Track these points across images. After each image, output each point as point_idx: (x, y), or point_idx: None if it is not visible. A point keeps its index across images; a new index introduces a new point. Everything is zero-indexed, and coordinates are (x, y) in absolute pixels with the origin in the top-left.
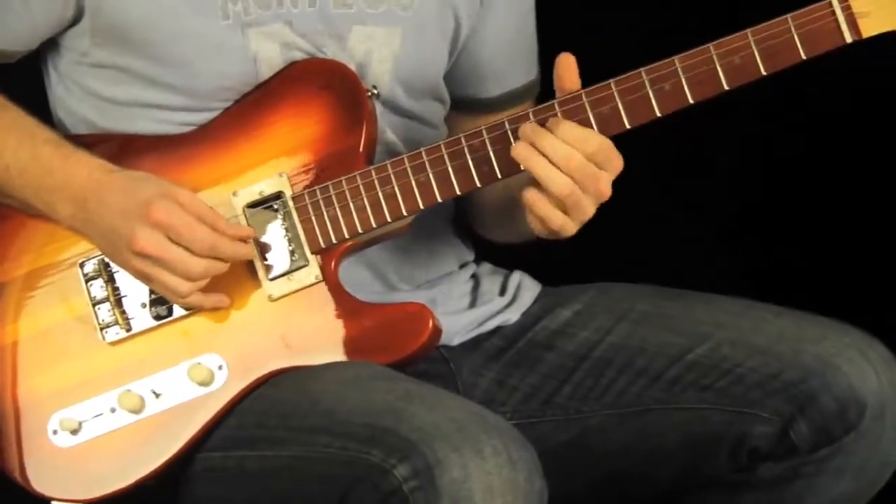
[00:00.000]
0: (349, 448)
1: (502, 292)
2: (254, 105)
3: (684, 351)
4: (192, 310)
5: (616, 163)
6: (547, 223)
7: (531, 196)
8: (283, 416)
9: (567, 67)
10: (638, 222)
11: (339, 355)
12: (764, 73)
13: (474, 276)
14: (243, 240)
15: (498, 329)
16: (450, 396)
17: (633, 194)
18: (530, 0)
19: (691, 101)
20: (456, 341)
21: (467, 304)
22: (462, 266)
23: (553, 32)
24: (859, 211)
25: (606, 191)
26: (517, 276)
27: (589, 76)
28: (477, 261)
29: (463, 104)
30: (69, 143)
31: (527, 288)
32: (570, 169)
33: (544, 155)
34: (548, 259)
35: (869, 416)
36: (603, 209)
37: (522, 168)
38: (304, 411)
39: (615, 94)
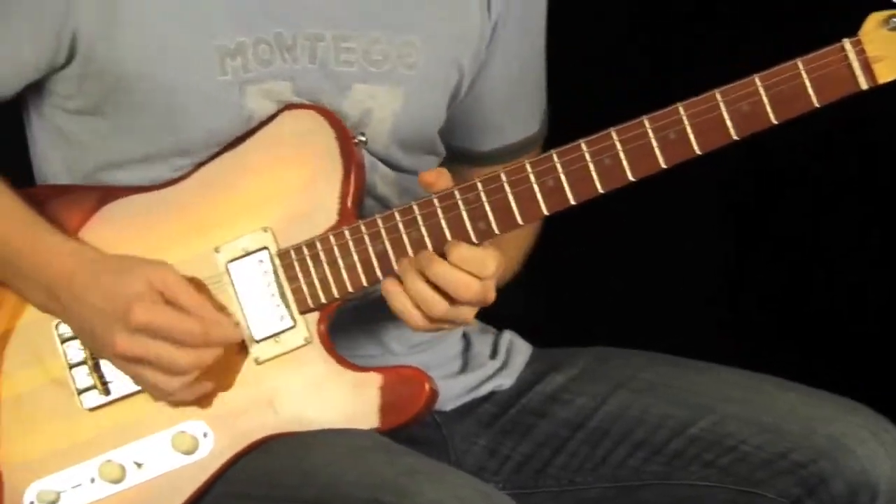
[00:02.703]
0: None
1: (493, 354)
2: (234, 156)
3: (687, 424)
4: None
5: (492, 267)
6: (405, 319)
7: (390, 287)
8: (273, 486)
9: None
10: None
11: (330, 421)
12: (775, 121)
13: (465, 336)
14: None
15: (491, 394)
16: (454, 472)
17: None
18: (536, 51)
19: (698, 152)
20: (449, 406)
21: (459, 366)
22: None
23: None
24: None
25: (492, 296)
26: (507, 336)
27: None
28: None
29: (456, 155)
30: (40, 222)
31: (518, 350)
32: (467, 298)
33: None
34: (533, 314)
35: (882, 501)
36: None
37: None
38: (298, 482)
39: (617, 143)
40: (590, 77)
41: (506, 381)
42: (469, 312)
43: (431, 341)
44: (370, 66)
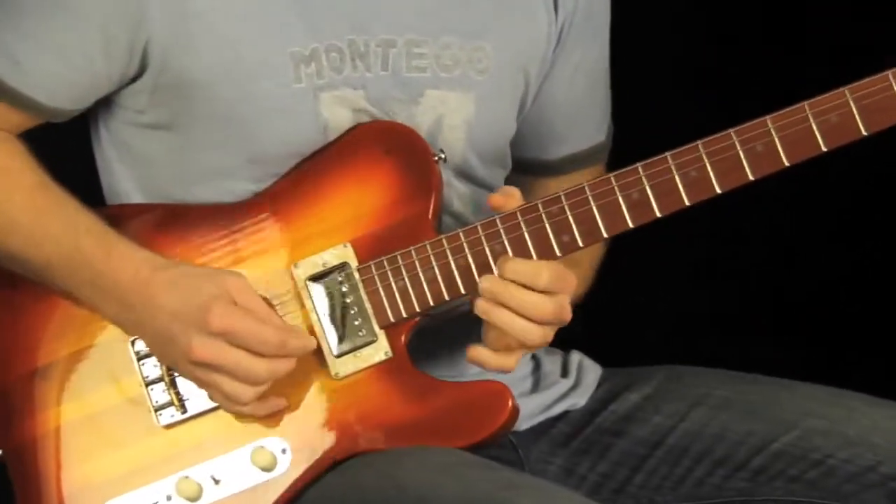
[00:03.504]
0: None
1: (564, 373)
2: (315, 170)
3: (770, 440)
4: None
5: (570, 284)
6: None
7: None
8: (365, 502)
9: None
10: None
11: (412, 437)
12: (865, 133)
13: (534, 357)
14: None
15: (565, 413)
16: (555, 488)
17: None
18: (603, 60)
19: (787, 164)
20: (523, 426)
21: (530, 385)
22: None
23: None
24: None
25: (568, 316)
26: (576, 357)
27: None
28: None
29: (522, 166)
30: (111, 232)
31: (588, 369)
32: (542, 318)
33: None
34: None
35: None
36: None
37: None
38: (392, 499)
39: (703, 155)
40: (650, 88)
41: (579, 400)
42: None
43: None
44: (442, 71)
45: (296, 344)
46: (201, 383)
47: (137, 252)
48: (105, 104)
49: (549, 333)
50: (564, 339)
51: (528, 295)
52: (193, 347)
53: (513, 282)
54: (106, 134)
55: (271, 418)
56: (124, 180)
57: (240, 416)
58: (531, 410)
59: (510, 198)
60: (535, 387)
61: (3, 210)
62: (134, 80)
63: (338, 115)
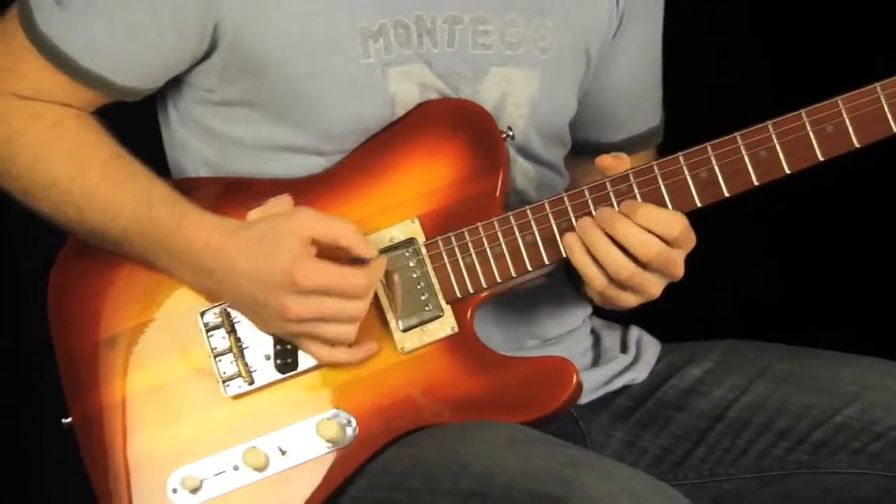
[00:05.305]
0: None
1: (623, 349)
2: (383, 146)
3: (832, 412)
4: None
5: (691, 241)
6: (586, 277)
7: (571, 242)
8: (428, 477)
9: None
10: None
11: (476, 411)
12: None
13: (594, 332)
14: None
15: (625, 388)
16: (619, 465)
17: None
18: (658, 42)
19: (857, 145)
20: (584, 400)
21: (591, 360)
22: (583, 321)
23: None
24: None
25: (681, 272)
26: (636, 332)
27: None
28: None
29: (580, 147)
30: (183, 200)
31: (648, 344)
32: (648, 258)
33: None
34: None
35: None
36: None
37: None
38: (455, 474)
39: (773, 135)
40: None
41: (639, 374)
42: (654, 284)
43: (562, 336)
44: (506, 49)
45: (378, 274)
46: (302, 337)
47: (208, 219)
48: (175, 84)
49: (649, 282)
50: (623, 316)
51: (642, 234)
52: (290, 307)
53: (644, 228)
54: (175, 113)
55: (338, 390)
56: (192, 159)
57: (305, 388)
58: (592, 384)
59: (620, 161)
60: (596, 361)
61: (79, 185)
62: (204, 58)
63: (405, 90)
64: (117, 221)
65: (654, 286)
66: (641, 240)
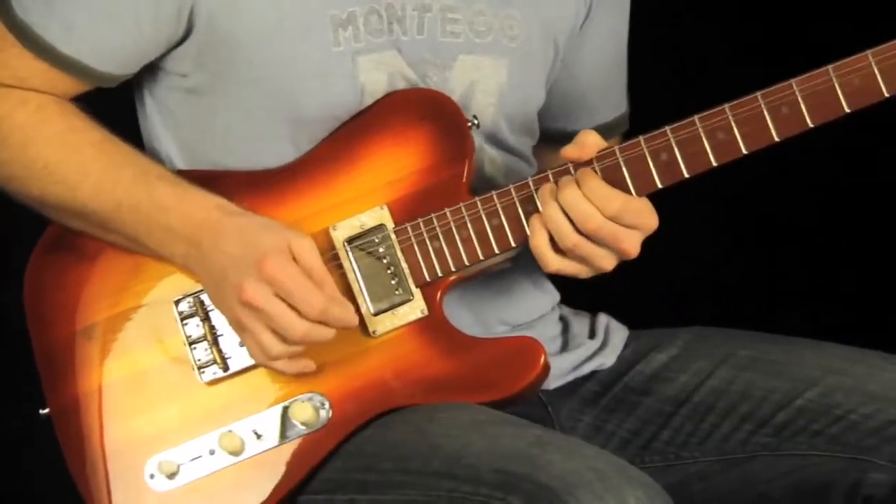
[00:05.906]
0: (480, 493)
1: (592, 335)
2: (352, 135)
3: (793, 396)
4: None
5: (649, 222)
6: (537, 251)
7: (534, 221)
8: (399, 458)
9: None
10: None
11: (448, 392)
12: (886, 94)
13: (562, 319)
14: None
15: (593, 373)
16: (583, 444)
17: None
18: (625, 32)
19: (810, 125)
20: (553, 385)
21: (559, 346)
22: (552, 307)
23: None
24: None
25: (631, 250)
26: (604, 319)
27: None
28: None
29: (549, 136)
30: (184, 180)
31: (616, 330)
32: (588, 229)
33: (563, 208)
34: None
35: None
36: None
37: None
38: (425, 455)
39: (730, 117)
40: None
41: (607, 360)
42: (604, 258)
43: (531, 322)
44: (475, 37)
45: (338, 313)
46: (240, 326)
47: (210, 197)
48: (149, 70)
49: (596, 254)
50: (591, 303)
51: (585, 203)
52: (245, 288)
53: (587, 199)
54: (150, 100)
55: (312, 375)
56: (167, 145)
57: (279, 373)
58: (561, 369)
59: (584, 150)
60: (564, 347)
61: (74, 161)
62: (179, 43)
63: (374, 79)
64: (112, 195)
65: (604, 259)
66: (582, 209)
